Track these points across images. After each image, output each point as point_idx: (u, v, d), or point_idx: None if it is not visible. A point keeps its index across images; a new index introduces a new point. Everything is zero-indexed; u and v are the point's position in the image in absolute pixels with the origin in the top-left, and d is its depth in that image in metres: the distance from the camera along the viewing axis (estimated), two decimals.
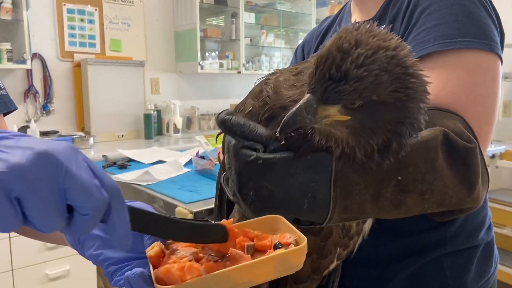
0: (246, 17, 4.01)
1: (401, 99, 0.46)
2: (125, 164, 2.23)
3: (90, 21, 3.36)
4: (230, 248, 0.50)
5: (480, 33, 0.66)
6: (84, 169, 0.38)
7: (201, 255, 0.49)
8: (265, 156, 0.51)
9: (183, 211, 1.47)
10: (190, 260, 0.47)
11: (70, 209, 0.37)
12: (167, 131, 3.67)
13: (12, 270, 2.38)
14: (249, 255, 0.49)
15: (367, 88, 0.44)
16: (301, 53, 1.02)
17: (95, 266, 2.60)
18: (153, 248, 0.50)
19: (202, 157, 2.05)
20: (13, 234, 2.37)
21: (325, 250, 0.60)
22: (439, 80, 0.63)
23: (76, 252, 0.59)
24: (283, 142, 0.51)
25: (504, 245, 3.02)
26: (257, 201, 0.53)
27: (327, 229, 0.59)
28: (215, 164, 1.93)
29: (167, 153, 2.54)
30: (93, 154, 2.80)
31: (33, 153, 0.35)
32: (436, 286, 0.77)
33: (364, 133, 0.48)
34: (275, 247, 0.49)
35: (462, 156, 0.56)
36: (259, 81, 0.62)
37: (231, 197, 0.58)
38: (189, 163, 2.23)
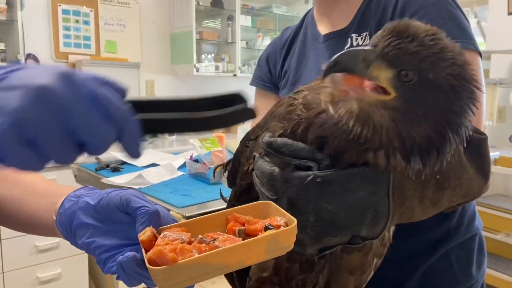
0: (243, 20, 4.01)
1: (455, 89, 0.43)
2: (118, 167, 2.21)
3: (86, 22, 3.35)
4: (220, 233, 0.51)
5: (465, 34, 0.71)
6: (87, 101, 0.36)
7: (193, 239, 0.49)
8: (323, 174, 0.47)
9: (176, 215, 1.46)
10: (182, 243, 0.47)
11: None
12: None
13: (3, 272, 2.35)
14: (240, 238, 0.49)
15: (428, 58, 0.42)
16: (266, 65, 1.00)
17: (87, 269, 2.58)
18: (145, 233, 0.50)
19: (196, 161, 2.04)
20: (4, 236, 2.34)
21: (367, 264, 0.59)
22: None
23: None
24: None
25: (498, 250, 3.02)
26: (319, 226, 0.48)
27: (369, 243, 0.56)
28: (209, 168, 1.92)
29: (161, 156, 2.52)
30: (86, 156, 2.78)
31: (30, 94, 0.33)
32: (447, 280, 0.80)
33: (408, 118, 0.44)
34: (266, 228, 0.50)
35: (476, 147, 0.58)
36: (280, 102, 0.59)
37: None
38: (183, 166, 2.22)
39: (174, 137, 3.63)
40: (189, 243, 0.49)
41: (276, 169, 0.50)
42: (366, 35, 0.80)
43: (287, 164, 0.49)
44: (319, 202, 0.47)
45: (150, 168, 2.17)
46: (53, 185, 0.67)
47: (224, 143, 2.31)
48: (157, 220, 0.54)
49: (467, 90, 0.44)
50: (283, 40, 0.98)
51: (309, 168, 0.48)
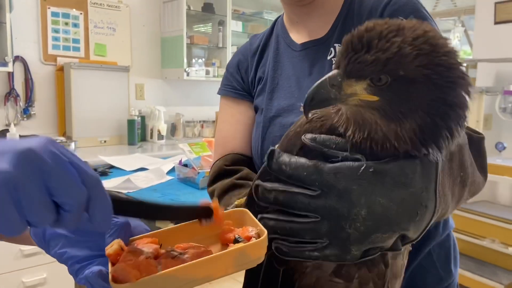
0: (233, 25, 4.02)
1: (431, 77, 0.43)
2: (106, 171, 2.20)
3: (75, 25, 3.33)
4: (191, 243, 0.51)
5: None
6: (64, 164, 0.39)
7: (162, 251, 0.50)
8: (377, 164, 0.45)
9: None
10: (148, 258, 0.47)
11: (57, 205, 0.40)
12: (151, 137, 3.63)
13: None
14: (210, 250, 0.50)
15: (390, 60, 0.42)
16: (238, 73, 0.98)
17: None
18: (112, 246, 0.50)
19: (185, 165, 2.03)
20: None
21: (403, 267, 0.58)
22: None
23: (54, 259, 0.60)
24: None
25: (483, 256, 3.06)
26: (370, 220, 0.45)
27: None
28: (198, 173, 1.92)
29: (150, 161, 2.51)
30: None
31: (15, 155, 0.37)
32: (432, 279, 0.81)
33: (395, 117, 0.44)
34: (235, 241, 0.50)
35: (477, 146, 0.61)
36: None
37: (309, 248, 0.48)
38: (171, 170, 2.21)
39: (163, 141, 3.62)
40: (157, 256, 0.49)
41: (321, 162, 0.47)
42: None
43: (325, 159, 0.47)
44: (372, 195, 0.45)
45: (138, 173, 2.16)
46: None
47: (213, 148, 2.31)
48: (127, 231, 0.55)
49: (442, 75, 0.43)
50: (254, 47, 0.97)
51: (357, 160, 0.46)
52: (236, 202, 0.57)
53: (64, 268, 0.58)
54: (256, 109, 0.92)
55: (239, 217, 0.54)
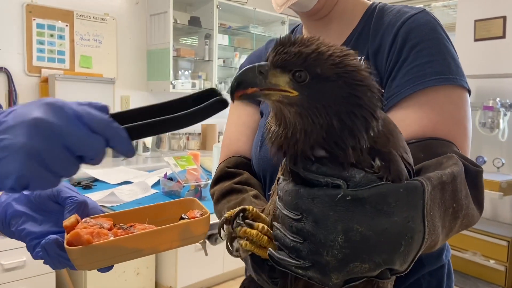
0: (220, 39, 4.05)
1: (340, 75, 0.47)
2: (89, 184, 2.17)
3: (60, 37, 3.31)
4: (142, 223, 0.57)
5: (460, 72, 0.74)
6: (72, 121, 0.43)
7: (114, 226, 0.55)
8: (354, 192, 0.45)
9: None
10: (100, 227, 0.53)
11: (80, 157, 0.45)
12: (136, 149, 3.61)
13: None
14: (158, 228, 0.55)
15: (310, 55, 0.47)
16: None
17: None
18: (70, 219, 0.55)
19: (170, 179, 2.03)
20: None
21: None
22: (434, 113, 0.70)
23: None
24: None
25: (465, 269, 3.10)
26: (347, 248, 0.45)
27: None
28: (183, 186, 1.91)
29: (134, 174, 2.49)
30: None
31: (27, 127, 0.42)
32: None
33: (311, 113, 0.47)
34: (181, 218, 0.57)
35: (473, 179, 0.61)
36: None
37: (295, 264, 0.48)
38: (156, 184, 2.20)
39: (148, 154, 3.60)
40: (109, 229, 0.54)
41: (302, 188, 0.48)
42: (361, 59, 0.80)
43: (313, 184, 0.48)
44: (349, 223, 0.44)
45: (122, 186, 2.14)
46: None
47: (199, 161, 2.30)
48: (84, 209, 0.60)
49: (351, 74, 0.47)
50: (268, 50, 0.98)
51: (337, 187, 0.47)
52: (226, 215, 0.58)
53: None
54: (261, 114, 0.93)
55: (187, 204, 0.63)
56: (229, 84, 4.13)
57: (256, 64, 0.49)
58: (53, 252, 0.55)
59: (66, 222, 0.55)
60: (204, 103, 0.52)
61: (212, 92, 0.53)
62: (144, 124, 0.49)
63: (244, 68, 0.49)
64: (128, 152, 0.48)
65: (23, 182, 0.42)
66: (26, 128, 0.42)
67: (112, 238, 0.51)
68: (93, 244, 0.50)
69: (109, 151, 0.46)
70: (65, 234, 0.53)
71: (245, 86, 0.49)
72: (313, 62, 0.47)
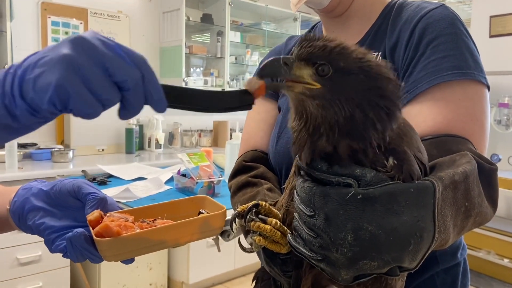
0: (232, 36, 4.05)
1: (363, 69, 0.48)
2: (105, 180, 2.20)
3: (75, 34, 3.35)
4: (160, 218, 0.60)
5: (478, 67, 0.73)
6: (114, 47, 0.44)
7: (136, 222, 0.58)
8: (365, 191, 0.46)
9: None
10: (126, 221, 0.56)
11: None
12: (149, 146, 3.64)
13: None
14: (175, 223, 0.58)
15: (335, 49, 0.48)
16: None
17: (69, 283, 2.52)
18: (93, 214, 0.58)
19: (184, 175, 2.04)
20: None
21: None
22: (449, 109, 0.69)
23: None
24: None
25: (479, 267, 3.07)
26: (357, 246, 0.46)
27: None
28: (196, 183, 1.93)
29: (148, 170, 2.52)
30: (72, 168, 2.75)
31: (71, 42, 0.42)
32: None
33: (334, 104, 0.47)
34: (200, 213, 0.61)
35: (487, 177, 0.60)
36: None
37: (309, 255, 0.49)
38: (170, 180, 2.22)
39: (161, 150, 3.63)
40: (133, 223, 0.57)
41: (316, 185, 0.49)
42: (378, 55, 0.80)
43: (328, 183, 0.49)
44: (359, 221, 0.45)
45: (137, 182, 2.17)
46: (7, 188, 0.72)
47: (212, 158, 2.32)
48: (104, 205, 0.62)
49: (373, 68, 0.49)
50: (289, 48, 0.98)
51: (349, 185, 0.47)
52: (238, 209, 0.59)
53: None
54: (279, 109, 0.94)
55: (199, 202, 0.66)
56: (241, 82, 4.12)
57: (283, 56, 0.50)
58: (79, 245, 0.56)
59: (90, 216, 0.57)
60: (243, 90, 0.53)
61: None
62: (177, 87, 0.49)
63: (270, 58, 0.50)
64: (160, 102, 0.47)
65: (63, 94, 0.41)
66: (68, 44, 0.42)
67: (138, 230, 0.54)
68: (122, 236, 0.52)
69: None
70: (90, 228, 0.56)
71: (269, 73, 0.50)
72: (337, 56, 0.48)
